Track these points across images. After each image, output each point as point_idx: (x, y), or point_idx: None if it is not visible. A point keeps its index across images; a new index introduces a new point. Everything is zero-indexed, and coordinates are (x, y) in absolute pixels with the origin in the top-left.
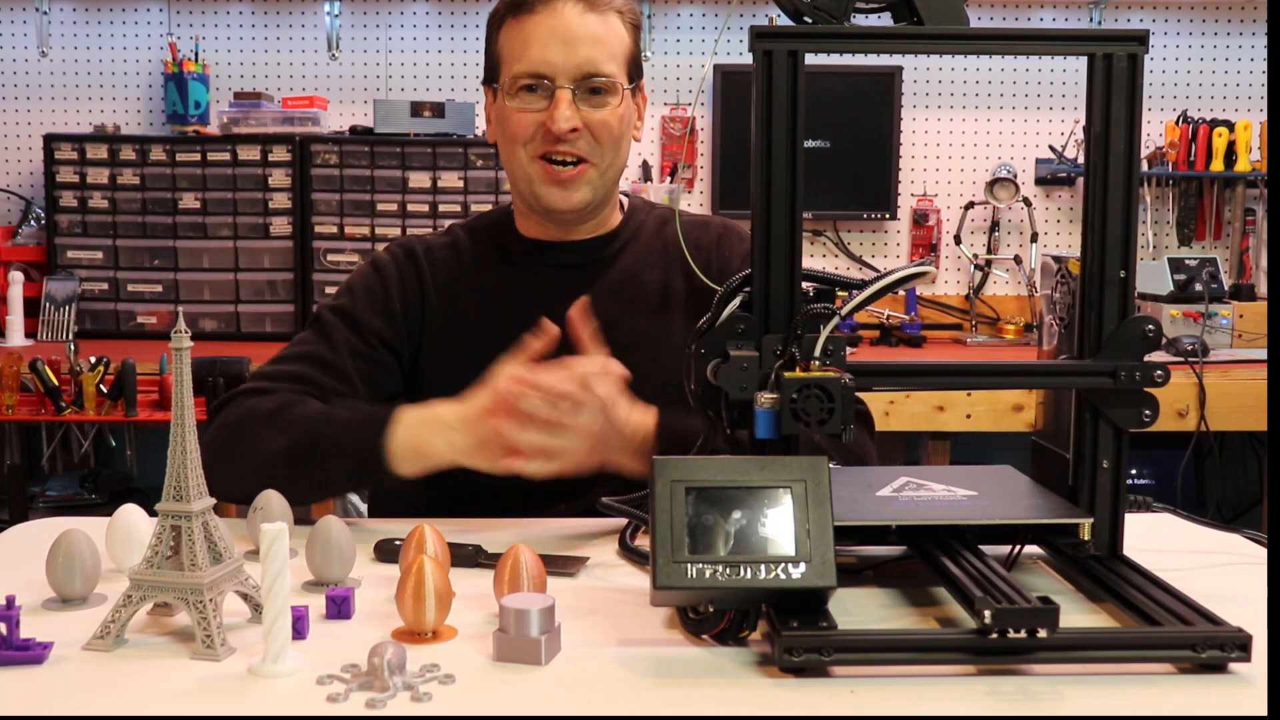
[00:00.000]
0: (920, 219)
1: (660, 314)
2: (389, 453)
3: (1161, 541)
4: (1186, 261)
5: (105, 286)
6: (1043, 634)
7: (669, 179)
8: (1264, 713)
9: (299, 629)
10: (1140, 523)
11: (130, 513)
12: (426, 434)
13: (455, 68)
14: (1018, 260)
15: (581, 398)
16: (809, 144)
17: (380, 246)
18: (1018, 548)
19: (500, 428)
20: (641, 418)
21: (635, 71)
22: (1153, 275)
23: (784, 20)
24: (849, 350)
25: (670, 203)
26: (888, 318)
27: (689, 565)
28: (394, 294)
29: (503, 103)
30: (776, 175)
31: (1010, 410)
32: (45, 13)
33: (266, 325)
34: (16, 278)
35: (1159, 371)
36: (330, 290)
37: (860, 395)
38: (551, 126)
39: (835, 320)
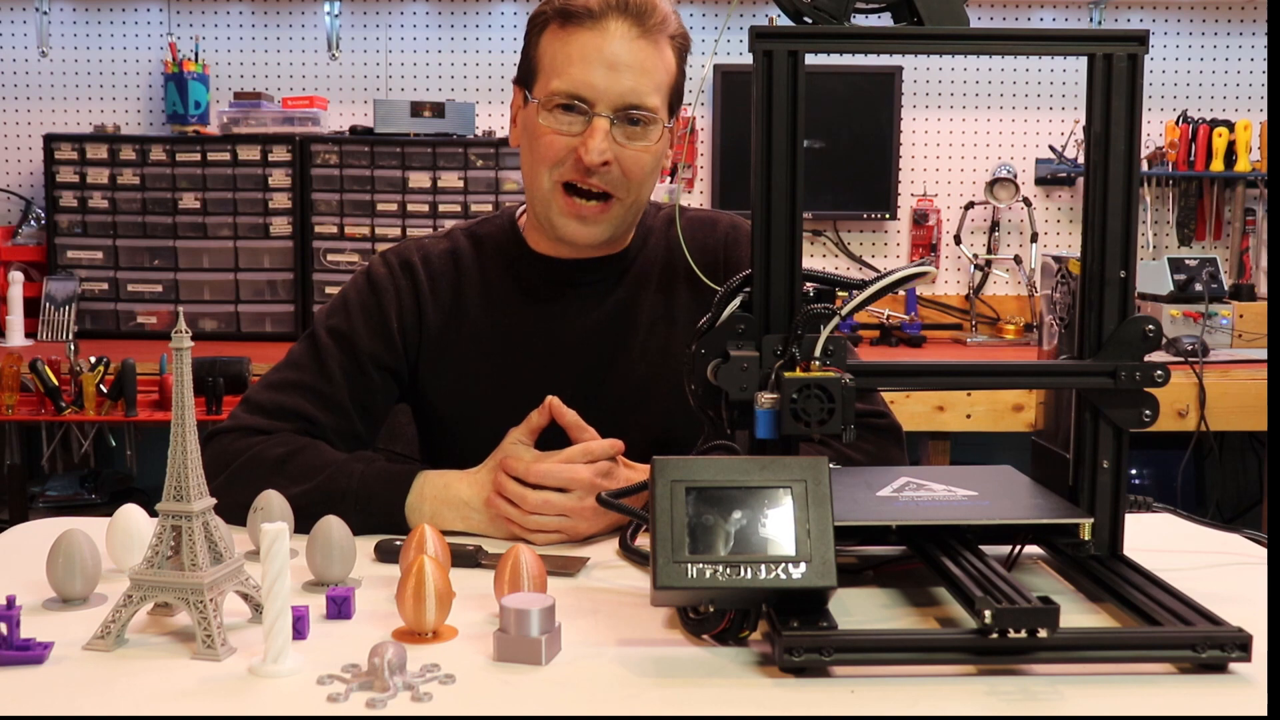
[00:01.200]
0: (920, 219)
1: (667, 320)
2: (403, 515)
3: (1161, 541)
4: (1186, 261)
5: (105, 286)
6: (1043, 634)
7: (669, 179)
8: (1264, 713)
9: (299, 629)
10: (1140, 523)
11: (130, 513)
12: (442, 509)
13: (455, 68)
14: (1018, 260)
15: (569, 504)
16: (809, 144)
17: (379, 248)
18: (1018, 548)
19: (506, 512)
20: (641, 476)
21: (676, 102)
22: (1153, 275)
23: (784, 20)
24: (852, 349)
25: (670, 202)
26: (888, 318)
27: (689, 565)
28: (390, 312)
29: (535, 115)
30: (776, 175)
31: (1010, 410)
32: (45, 13)
33: (266, 325)
34: (16, 278)
35: (1159, 371)
36: (330, 291)
37: (880, 407)
38: (584, 156)
39: (835, 320)
